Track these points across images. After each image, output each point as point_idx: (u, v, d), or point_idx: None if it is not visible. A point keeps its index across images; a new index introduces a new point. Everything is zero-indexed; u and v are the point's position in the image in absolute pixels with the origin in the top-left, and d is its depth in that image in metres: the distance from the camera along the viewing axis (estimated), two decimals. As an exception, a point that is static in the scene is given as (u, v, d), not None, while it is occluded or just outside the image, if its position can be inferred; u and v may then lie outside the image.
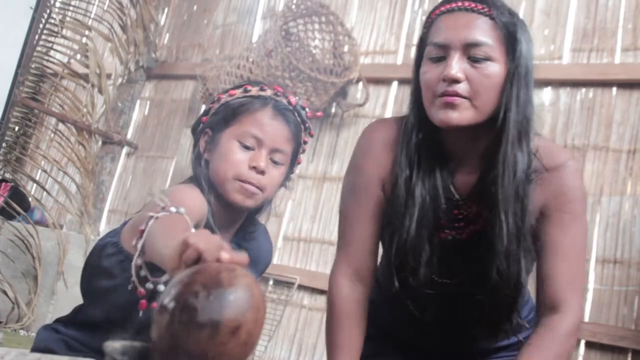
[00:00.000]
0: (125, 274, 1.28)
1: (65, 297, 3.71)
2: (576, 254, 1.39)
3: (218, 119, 1.49)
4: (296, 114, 1.52)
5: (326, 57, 4.04)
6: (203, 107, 4.19)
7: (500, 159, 1.31)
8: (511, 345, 1.52)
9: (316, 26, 4.06)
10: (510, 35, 1.32)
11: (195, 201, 1.38)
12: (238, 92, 1.50)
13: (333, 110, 4.03)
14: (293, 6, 3.92)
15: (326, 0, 4.09)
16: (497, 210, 1.31)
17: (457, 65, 1.29)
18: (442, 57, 1.33)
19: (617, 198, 3.10)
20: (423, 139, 1.40)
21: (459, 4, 1.34)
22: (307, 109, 1.54)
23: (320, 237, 3.81)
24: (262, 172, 1.45)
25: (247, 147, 1.44)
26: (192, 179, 1.52)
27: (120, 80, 4.67)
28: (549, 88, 3.42)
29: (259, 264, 1.62)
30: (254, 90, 1.49)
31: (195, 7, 4.99)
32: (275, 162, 1.48)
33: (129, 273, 1.13)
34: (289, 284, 3.79)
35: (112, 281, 1.41)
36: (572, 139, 3.28)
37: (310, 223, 3.90)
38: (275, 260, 3.94)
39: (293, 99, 1.51)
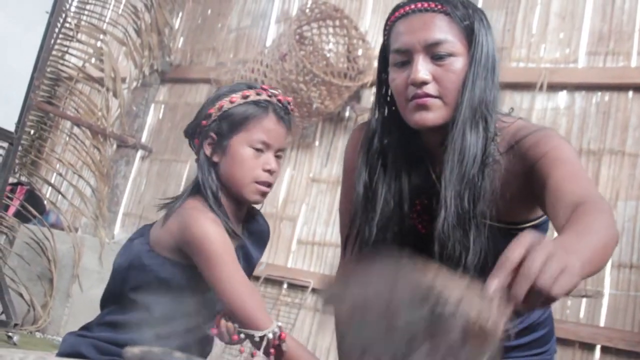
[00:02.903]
0: (164, 275, 1.51)
1: (81, 299, 3.73)
2: (578, 165, 1.25)
3: (225, 125, 1.61)
4: (287, 111, 1.66)
5: (340, 61, 4.04)
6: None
7: (448, 144, 1.32)
8: (523, 345, 1.50)
9: (330, 30, 4.06)
10: (468, 27, 1.34)
11: (225, 239, 1.51)
12: (238, 99, 1.61)
13: (347, 114, 4.03)
14: (307, 10, 3.92)
15: (340, 4, 4.10)
16: (440, 195, 1.31)
17: (421, 68, 1.31)
18: (406, 62, 1.34)
19: (633, 203, 3.08)
20: (389, 143, 1.42)
21: (413, 6, 1.35)
22: (290, 103, 1.67)
23: (334, 241, 3.80)
24: (272, 172, 1.61)
25: (257, 150, 1.59)
26: (196, 188, 1.63)
27: (134, 84, 4.71)
28: (565, 92, 3.41)
29: (264, 242, 1.77)
30: (252, 95, 1.61)
31: (209, 11, 5.01)
32: (277, 157, 1.64)
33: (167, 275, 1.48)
34: (303, 288, 3.80)
35: (159, 284, 1.52)
36: (588, 143, 3.26)
37: (324, 227, 3.90)
38: (289, 263, 3.95)
39: (281, 96, 1.65)
